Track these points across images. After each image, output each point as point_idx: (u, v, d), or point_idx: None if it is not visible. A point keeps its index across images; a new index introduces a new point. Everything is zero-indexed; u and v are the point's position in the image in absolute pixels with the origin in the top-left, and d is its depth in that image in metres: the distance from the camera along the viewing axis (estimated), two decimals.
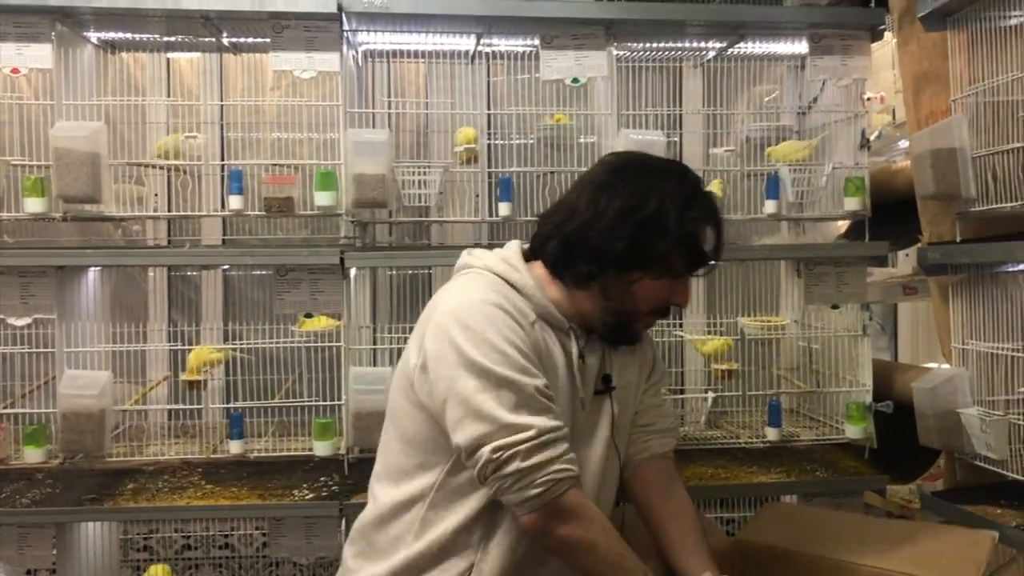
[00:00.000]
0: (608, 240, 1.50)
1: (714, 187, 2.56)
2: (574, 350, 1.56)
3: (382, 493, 1.58)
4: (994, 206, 2.14)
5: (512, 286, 1.53)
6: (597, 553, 1.45)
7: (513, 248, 1.61)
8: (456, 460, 1.47)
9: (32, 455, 2.35)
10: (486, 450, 1.38)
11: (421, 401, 1.49)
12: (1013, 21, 2.11)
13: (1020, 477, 2.10)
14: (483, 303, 1.46)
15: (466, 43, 2.69)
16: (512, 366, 1.41)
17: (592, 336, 1.61)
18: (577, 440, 1.56)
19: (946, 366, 2.43)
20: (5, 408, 2.46)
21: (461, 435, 1.40)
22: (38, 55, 2.32)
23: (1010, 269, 2.25)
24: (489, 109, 2.83)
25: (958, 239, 2.31)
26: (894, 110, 3.53)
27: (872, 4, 2.55)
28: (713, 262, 1.60)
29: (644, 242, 1.50)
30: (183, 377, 2.49)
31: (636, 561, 1.48)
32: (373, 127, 2.70)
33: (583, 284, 1.54)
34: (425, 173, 2.52)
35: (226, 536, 3.14)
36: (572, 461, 1.43)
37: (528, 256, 1.62)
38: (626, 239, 1.49)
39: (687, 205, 1.52)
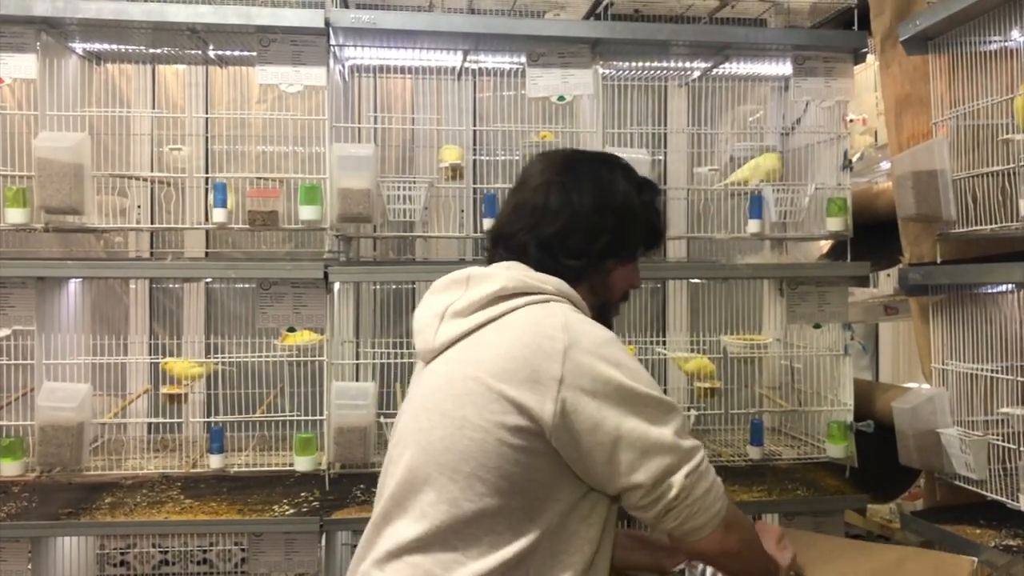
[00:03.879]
0: (592, 236, 1.50)
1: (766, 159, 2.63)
2: None
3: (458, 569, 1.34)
4: (974, 228, 2.16)
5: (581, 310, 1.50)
6: (755, 549, 1.52)
7: (529, 268, 1.51)
8: (565, 510, 1.38)
9: (8, 468, 2.31)
10: (678, 478, 1.35)
11: (550, 448, 1.35)
12: (993, 46, 2.14)
13: (999, 497, 2.11)
14: (610, 335, 1.42)
15: (453, 59, 2.70)
16: (661, 392, 1.41)
17: None
18: None
19: (926, 386, 2.45)
20: None
21: (644, 473, 1.34)
22: (22, 65, 2.31)
23: (989, 290, 2.27)
24: (475, 125, 2.84)
25: (938, 260, 2.33)
26: (876, 132, 3.56)
27: (855, 27, 2.58)
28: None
29: (622, 231, 1.53)
30: (163, 390, 2.47)
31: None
32: (359, 142, 2.71)
33: (572, 282, 1.51)
34: (410, 188, 2.52)
35: (205, 552, 3.11)
36: None
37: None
38: (608, 231, 1.51)
39: (641, 189, 1.58)
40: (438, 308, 1.48)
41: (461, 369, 1.40)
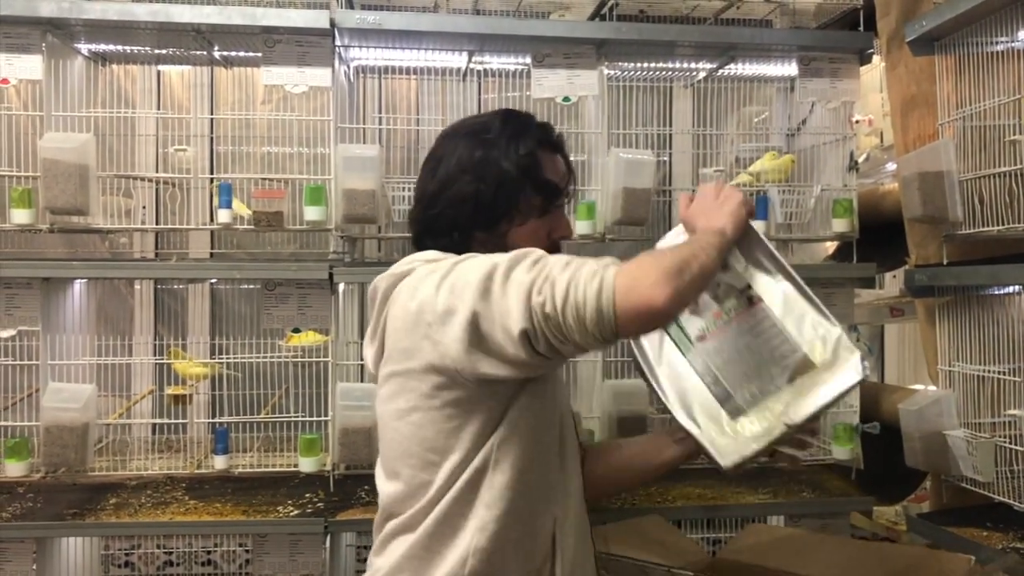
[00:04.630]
0: (455, 206, 1.46)
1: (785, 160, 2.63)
2: None
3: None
4: (980, 229, 2.15)
5: None
6: (678, 271, 1.26)
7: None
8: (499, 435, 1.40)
9: (14, 468, 2.32)
10: (535, 305, 1.24)
11: (471, 388, 1.36)
12: (1000, 47, 2.14)
13: (1006, 499, 2.10)
14: (451, 259, 1.39)
15: (458, 60, 2.70)
16: (504, 259, 1.32)
17: None
18: (561, 412, 1.53)
19: (933, 388, 2.44)
20: None
21: (515, 326, 1.25)
22: (28, 66, 2.31)
23: (996, 292, 2.27)
24: None
25: (945, 261, 2.32)
26: (882, 133, 3.56)
27: (861, 28, 2.58)
28: (570, 187, 1.56)
29: (488, 194, 1.45)
30: (168, 391, 2.47)
31: (692, 243, 1.42)
32: (364, 142, 2.70)
33: (462, 251, 1.44)
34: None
35: (209, 552, 3.11)
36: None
37: None
38: (470, 198, 1.45)
39: (514, 142, 1.48)
40: (367, 335, 1.55)
41: (383, 371, 1.47)
